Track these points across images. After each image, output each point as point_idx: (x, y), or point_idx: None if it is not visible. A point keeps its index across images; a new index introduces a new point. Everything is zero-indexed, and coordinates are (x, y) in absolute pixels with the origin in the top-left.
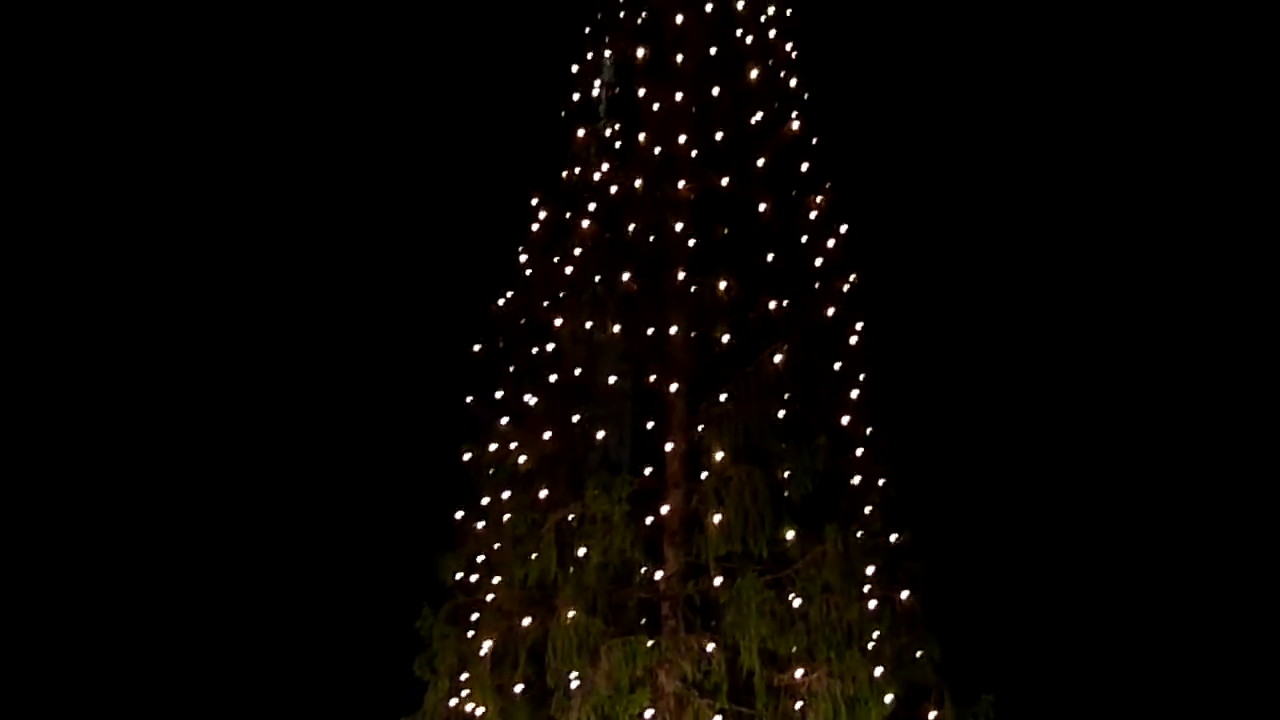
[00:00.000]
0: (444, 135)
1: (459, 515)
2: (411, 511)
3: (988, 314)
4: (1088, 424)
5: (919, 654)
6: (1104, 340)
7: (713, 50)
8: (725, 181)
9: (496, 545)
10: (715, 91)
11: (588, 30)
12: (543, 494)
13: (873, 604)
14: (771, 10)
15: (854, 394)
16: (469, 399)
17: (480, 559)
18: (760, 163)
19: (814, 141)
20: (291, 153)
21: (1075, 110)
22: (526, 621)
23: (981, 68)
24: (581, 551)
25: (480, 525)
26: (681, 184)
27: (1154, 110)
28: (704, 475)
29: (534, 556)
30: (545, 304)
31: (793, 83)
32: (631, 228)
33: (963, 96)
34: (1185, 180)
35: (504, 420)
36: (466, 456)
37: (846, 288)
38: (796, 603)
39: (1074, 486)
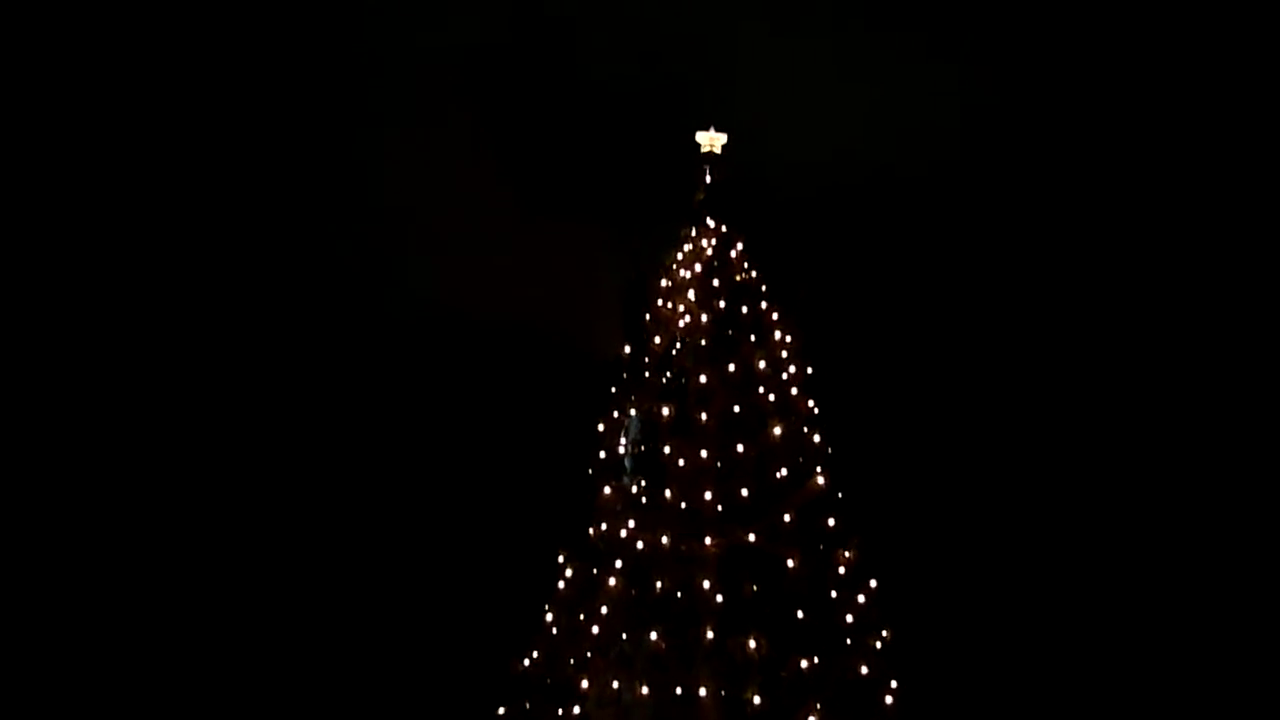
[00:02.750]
0: (472, 491)
1: None
2: None
3: (1026, 667)
4: None
5: None
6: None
7: (736, 408)
8: (752, 537)
9: None
10: (740, 448)
11: (614, 390)
12: None
13: None
14: (793, 369)
15: None
16: None
17: None
18: (787, 518)
19: (840, 496)
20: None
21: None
22: None
23: (997, 420)
24: None
25: None
26: (708, 540)
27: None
28: None
29: None
30: (572, 663)
31: (816, 438)
32: (659, 585)
33: (984, 447)
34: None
35: None
36: None
37: (879, 645)
38: None
39: None
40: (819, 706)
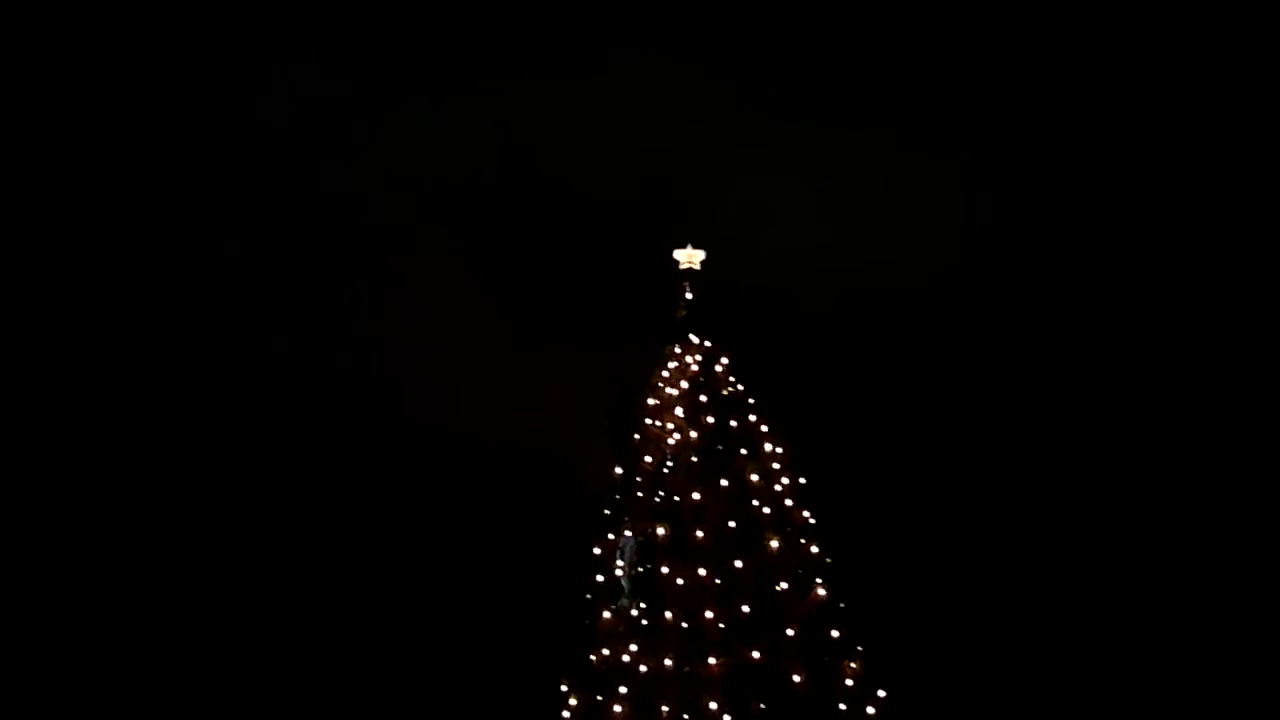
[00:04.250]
0: (469, 622)
1: None
2: None
3: None
4: None
5: None
6: None
7: (731, 523)
8: (756, 654)
9: None
10: (738, 564)
11: (607, 512)
12: None
13: None
14: (786, 480)
15: None
16: None
17: None
18: (790, 633)
19: (841, 606)
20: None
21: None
22: None
23: (991, 516)
24: None
25: None
26: (712, 660)
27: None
28: None
29: None
30: None
31: (814, 549)
32: (665, 709)
33: (982, 545)
34: None
35: None
36: None
37: None
38: None
39: None
40: None
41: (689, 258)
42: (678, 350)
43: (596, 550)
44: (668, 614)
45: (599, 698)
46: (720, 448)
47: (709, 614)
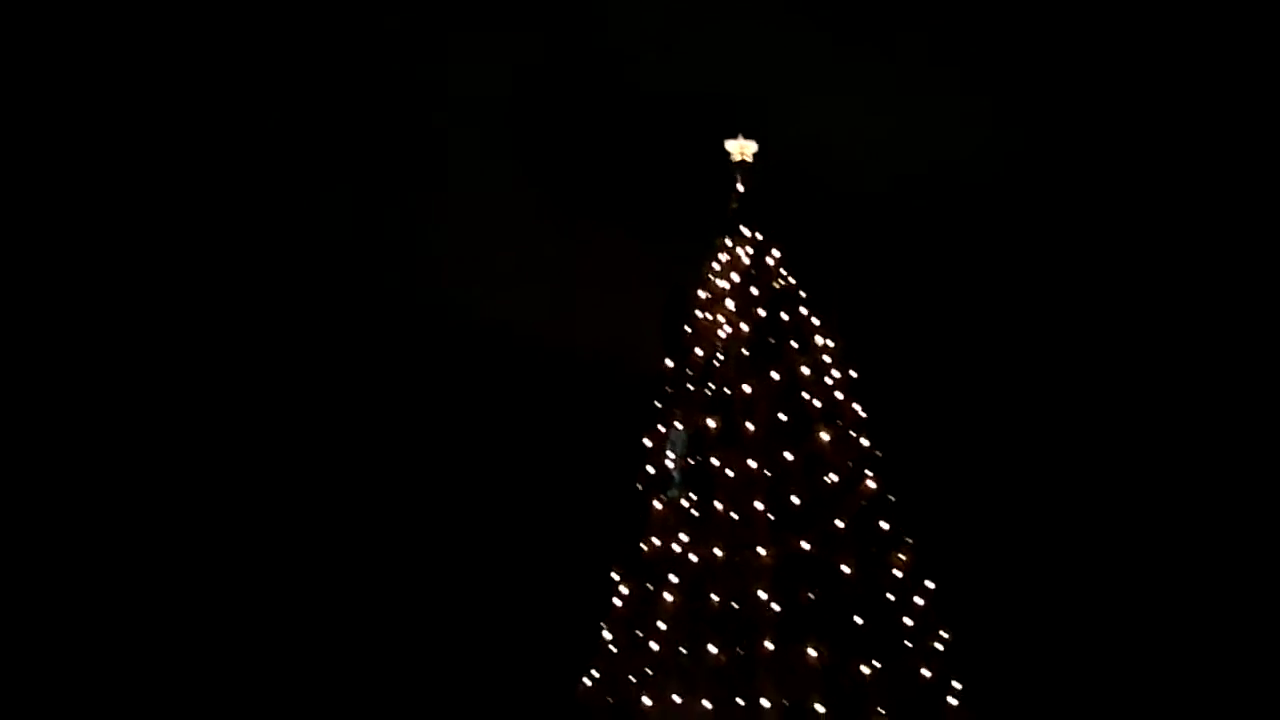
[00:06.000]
0: (519, 512)
1: None
2: None
3: (1085, 659)
4: None
5: None
6: None
7: (782, 416)
8: (806, 545)
9: None
10: (788, 456)
11: (658, 404)
12: None
13: None
14: (836, 374)
15: None
16: None
17: None
18: (839, 524)
19: (891, 499)
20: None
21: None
22: None
23: (1037, 411)
24: None
25: None
26: (762, 550)
27: None
28: None
29: None
30: (632, 681)
31: (864, 442)
32: (715, 598)
33: (1026, 440)
34: None
35: None
36: None
37: (939, 647)
38: None
39: None
40: (882, 711)
41: (740, 149)
42: (729, 243)
43: (647, 442)
44: (718, 505)
45: (650, 586)
46: (771, 341)
47: (759, 505)
